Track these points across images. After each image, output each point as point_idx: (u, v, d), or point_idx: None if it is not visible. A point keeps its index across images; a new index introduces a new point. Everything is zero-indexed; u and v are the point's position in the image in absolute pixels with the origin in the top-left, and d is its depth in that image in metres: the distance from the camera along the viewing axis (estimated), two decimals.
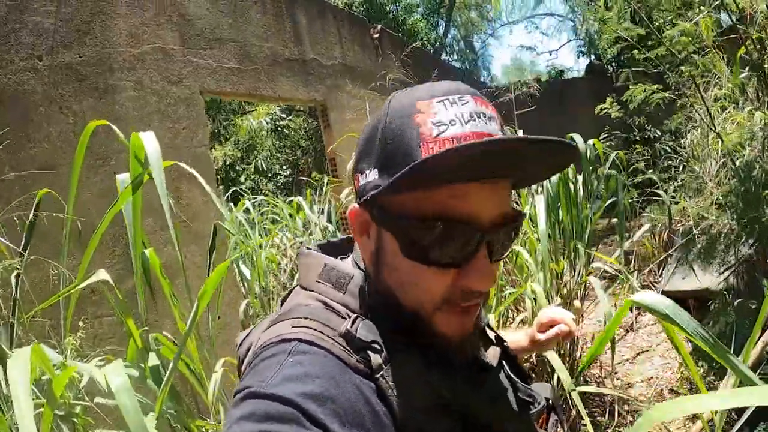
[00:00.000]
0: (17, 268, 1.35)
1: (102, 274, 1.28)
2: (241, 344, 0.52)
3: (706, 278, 2.76)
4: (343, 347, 0.46)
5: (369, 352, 0.46)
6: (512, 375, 0.58)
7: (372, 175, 0.48)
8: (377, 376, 0.45)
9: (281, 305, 0.54)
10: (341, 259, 0.57)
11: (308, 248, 0.57)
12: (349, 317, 0.48)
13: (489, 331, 0.61)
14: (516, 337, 0.84)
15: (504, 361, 0.58)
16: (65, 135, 2.00)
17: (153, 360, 1.29)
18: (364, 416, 0.42)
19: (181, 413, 1.38)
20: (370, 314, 0.49)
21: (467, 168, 0.42)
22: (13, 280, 1.27)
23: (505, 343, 0.61)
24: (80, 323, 1.45)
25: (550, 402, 0.60)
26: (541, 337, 0.80)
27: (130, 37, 2.26)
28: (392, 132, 0.46)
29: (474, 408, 0.48)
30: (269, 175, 7.59)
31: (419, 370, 0.47)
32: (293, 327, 0.47)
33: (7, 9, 1.89)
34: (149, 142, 1.18)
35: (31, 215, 1.38)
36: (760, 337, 1.79)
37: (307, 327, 0.47)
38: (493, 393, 0.53)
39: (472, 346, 0.56)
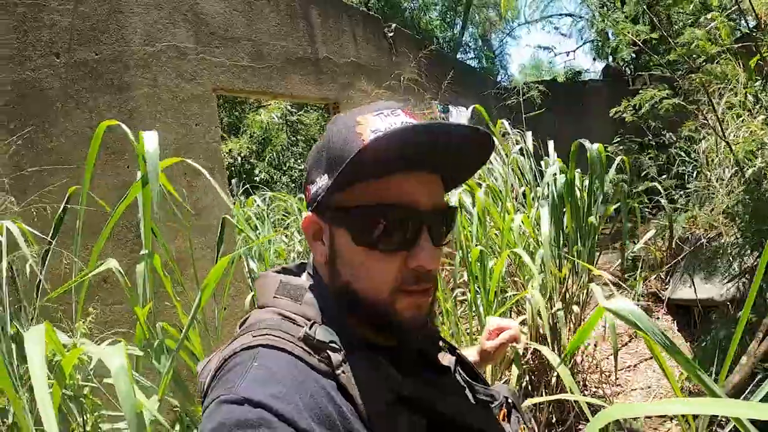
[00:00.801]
0: (33, 256, 1.43)
1: (112, 263, 1.34)
2: (202, 372, 0.52)
3: (712, 288, 2.73)
4: (304, 349, 0.48)
5: (329, 351, 0.48)
6: (469, 379, 0.60)
7: (322, 181, 0.54)
8: (338, 372, 0.47)
9: (240, 327, 0.55)
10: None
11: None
12: (307, 324, 0.51)
13: (442, 343, 0.64)
14: (467, 353, 0.86)
15: (459, 368, 0.61)
16: (81, 130, 2.08)
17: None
18: (331, 413, 0.44)
19: (184, 399, 1.44)
20: (327, 319, 0.52)
21: (398, 156, 0.48)
22: (28, 268, 1.34)
23: (457, 351, 0.64)
24: (90, 308, 1.53)
25: (509, 401, 0.63)
26: (489, 344, 0.84)
27: (145, 35, 2.33)
28: (337, 143, 0.53)
29: (434, 401, 0.51)
30: (283, 168, 7.67)
31: (379, 365, 0.50)
32: (254, 336, 0.49)
33: (26, 7, 1.96)
34: (149, 141, 1.24)
35: (62, 207, 1.46)
36: (758, 350, 1.78)
37: (268, 334, 0.49)
38: (450, 390, 0.56)
39: (426, 337, 0.59)
